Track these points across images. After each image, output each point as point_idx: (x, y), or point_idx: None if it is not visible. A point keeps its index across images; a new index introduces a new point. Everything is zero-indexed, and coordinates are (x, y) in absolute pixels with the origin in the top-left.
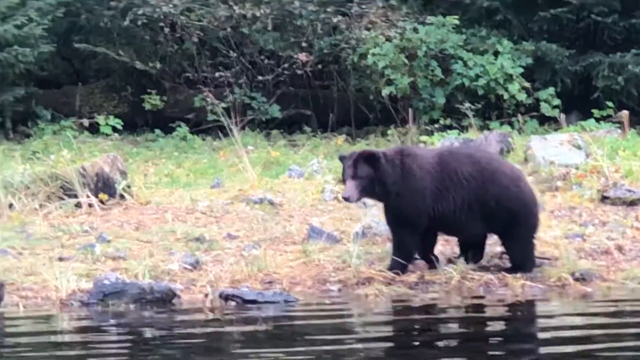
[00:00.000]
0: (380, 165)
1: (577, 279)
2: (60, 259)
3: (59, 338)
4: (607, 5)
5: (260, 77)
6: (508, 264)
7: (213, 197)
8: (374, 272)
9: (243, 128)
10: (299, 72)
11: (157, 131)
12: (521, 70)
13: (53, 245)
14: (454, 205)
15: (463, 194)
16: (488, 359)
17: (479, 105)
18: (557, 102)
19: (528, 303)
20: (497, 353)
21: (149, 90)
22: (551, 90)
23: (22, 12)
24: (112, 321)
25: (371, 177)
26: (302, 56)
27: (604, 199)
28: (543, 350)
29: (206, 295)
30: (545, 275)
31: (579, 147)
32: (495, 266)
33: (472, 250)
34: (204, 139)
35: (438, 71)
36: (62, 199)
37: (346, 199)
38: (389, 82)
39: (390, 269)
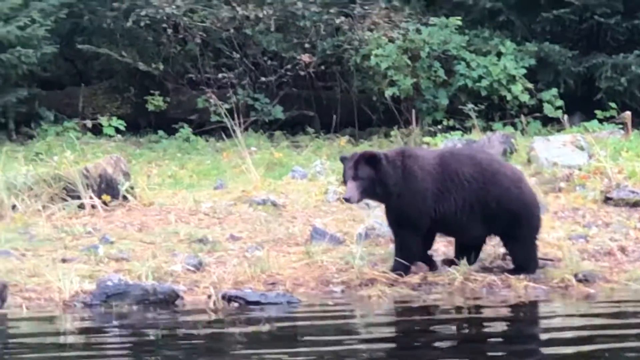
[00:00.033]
0: (381, 166)
1: (580, 280)
2: (64, 260)
3: (62, 339)
4: (610, 7)
5: (263, 78)
6: (511, 266)
7: (216, 199)
8: (377, 273)
9: (246, 129)
10: (301, 73)
11: (160, 132)
12: (524, 71)
13: (56, 247)
14: (455, 207)
15: (464, 195)
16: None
17: (482, 107)
18: (560, 103)
19: (531, 304)
20: (500, 354)
21: (152, 92)
22: (554, 91)
23: (24, 13)
24: (115, 322)
25: (372, 179)
26: (305, 57)
27: (607, 200)
28: (546, 351)
29: (209, 296)
30: (548, 277)
31: (582, 148)
32: (498, 267)
33: (469, 253)
34: (207, 140)
35: (441, 72)
36: (65, 200)
37: (347, 200)
38: (392, 83)
39: (393, 270)
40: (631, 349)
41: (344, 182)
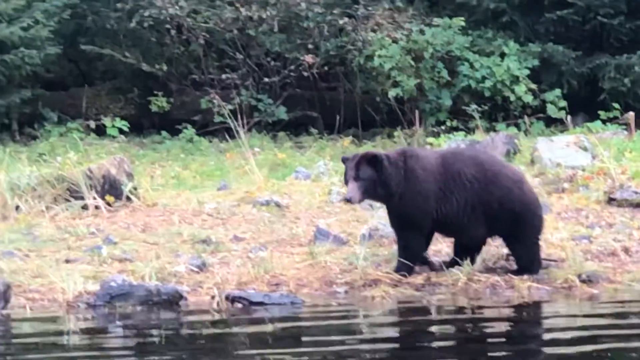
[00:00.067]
0: (383, 167)
1: (583, 281)
2: (67, 261)
3: (65, 340)
4: (613, 7)
5: (266, 79)
6: (514, 266)
7: (220, 199)
8: (380, 274)
9: (249, 130)
10: (305, 74)
11: (164, 133)
12: (527, 72)
13: (60, 247)
14: (456, 207)
15: (466, 196)
16: None
17: (486, 107)
18: (563, 103)
19: (534, 305)
20: (503, 354)
21: (155, 92)
22: (557, 92)
23: (28, 14)
24: (119, 323)
25: (374, 179)
26: (309, 58)
27: (610, 200)
28: (549, 351)
29: (213, 297)
30: (551, 277)
31: (585, 149)
32: (502, 268)
33: (469, 254)
34: (210, 141)
35: (444, 73)
36: (68, 201)
37: (348, 201)
38: (396, 84)
39: (397, 270)
40: (634, 350)
41: (345, 183)
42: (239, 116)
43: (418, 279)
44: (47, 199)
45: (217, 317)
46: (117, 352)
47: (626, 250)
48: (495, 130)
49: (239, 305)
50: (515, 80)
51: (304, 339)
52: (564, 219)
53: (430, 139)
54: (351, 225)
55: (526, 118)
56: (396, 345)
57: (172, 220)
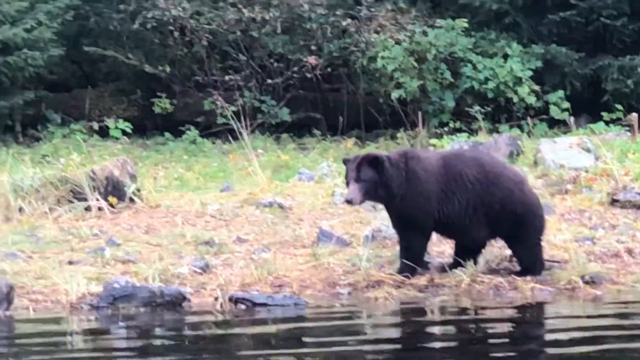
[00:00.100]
0: (384, 168)
1: (587, 282)
2: (70, 263)
3: (68, 341)
4: (616, 8)
5: (269, 81)
6: (518, 267)
7: (223, 201)
8: (383, 275)
9: (253, 131)
10: (308, 75)
11: (167, 134)
12: (530, 73)
13: (63, 249)
14: (458, 208)
15: (468, 197)
16: None
17: (489, 109)
18: (566, 105)
19: (538, 306)
20: (506, 355)
21: (158, 94)
22: (560, 93)
23: (31, 15)
24: (122, 324)
25: (375, 181)
26: (312, 59)
27: (613, 202)
28: (553, 351)
29: (216, 298)
30: (555, 279)
31: (588, 150)
32: (505, 269)
33: (470, 256)
34: (213, 143)
35: (447, 74)
36: (71, 202)
37: (349, 202)
38: (399, 85)
39: (400, 272)
40: (638, 350)
41: (347, 184)
42: (242, 118)
43: (421, 280)
44: (50, 201)
45: (220, 318)
46: (120, 353)
47: (629, 251)
48: (498, 132)
49: (242, 307)
50: (518, 81)
51: (307, 340)
52: (567, 220)
53: (434, 141)
54: (354, 227)
55: (529, 119)
56: (399, 346)
57: (175, 221)
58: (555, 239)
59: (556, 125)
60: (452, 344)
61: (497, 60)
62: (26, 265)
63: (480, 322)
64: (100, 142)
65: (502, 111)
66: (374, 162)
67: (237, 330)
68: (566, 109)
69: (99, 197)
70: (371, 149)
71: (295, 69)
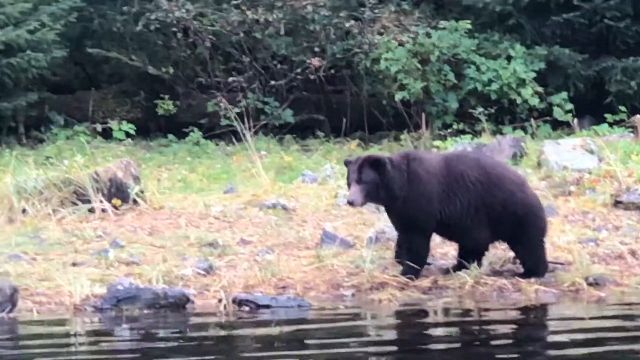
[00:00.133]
0: (385, 170)
1: (590, 284)
2: (74, 264)
3: (72, 343)
4: (619, 10)
5: (273, 82)
6: (521, 269)
7: (226, 202)
8: (387, 277)
9: (256, 133)
10: (311, 77)
11: (170, 136)
12: (534, 74)
13: (66, 251)
14: (460, 209)
15: (469, 198)
16: None
17: (492, 110)
18: (570, 106)
19: (541, 307)
20: (510, 357)
21: (161, 95)
22: (564, 94)
23: (34, 17)
24: (126, 326)
25: (376, 182)
26: (315, 61)
27: (617, 203)
28: (556, 353)
29: (220, 300)
30: (558, 280)
31: (591, 152)
32: (509, 271)
33: (472, 259)
34: (217, 144)
35: (451, 76)
36: (75, 204)
37: (350, 204)
38: (402, 87)
39: (404, 274)
40: None
41: (348, 186)
42: (245, 119)
43: (425, 282)
44: (54, 202)
45: (223, 320)
46: (124, 355)
47: (633, 253)
48: (501, 133)
49: (246, 308)
50: (522, 83)
51: (310, 341)
52: (570, 222)
53: (437, 142)
54: (358, 228)
55: (533, 121)
56: (403, 348)
57: (178, 223)
58: (559, 240)
59: (560, 127)
60: (456, 345)
61: (501, 61)
62: (30, 267)
63: (484, 324)
64: (103, 143)
65: (506, 113)
66: (375, 163)
67: (240, 331)
68: (569, 111)
69: (102, 198)
70: (375, 150)
71: (299, 70)
